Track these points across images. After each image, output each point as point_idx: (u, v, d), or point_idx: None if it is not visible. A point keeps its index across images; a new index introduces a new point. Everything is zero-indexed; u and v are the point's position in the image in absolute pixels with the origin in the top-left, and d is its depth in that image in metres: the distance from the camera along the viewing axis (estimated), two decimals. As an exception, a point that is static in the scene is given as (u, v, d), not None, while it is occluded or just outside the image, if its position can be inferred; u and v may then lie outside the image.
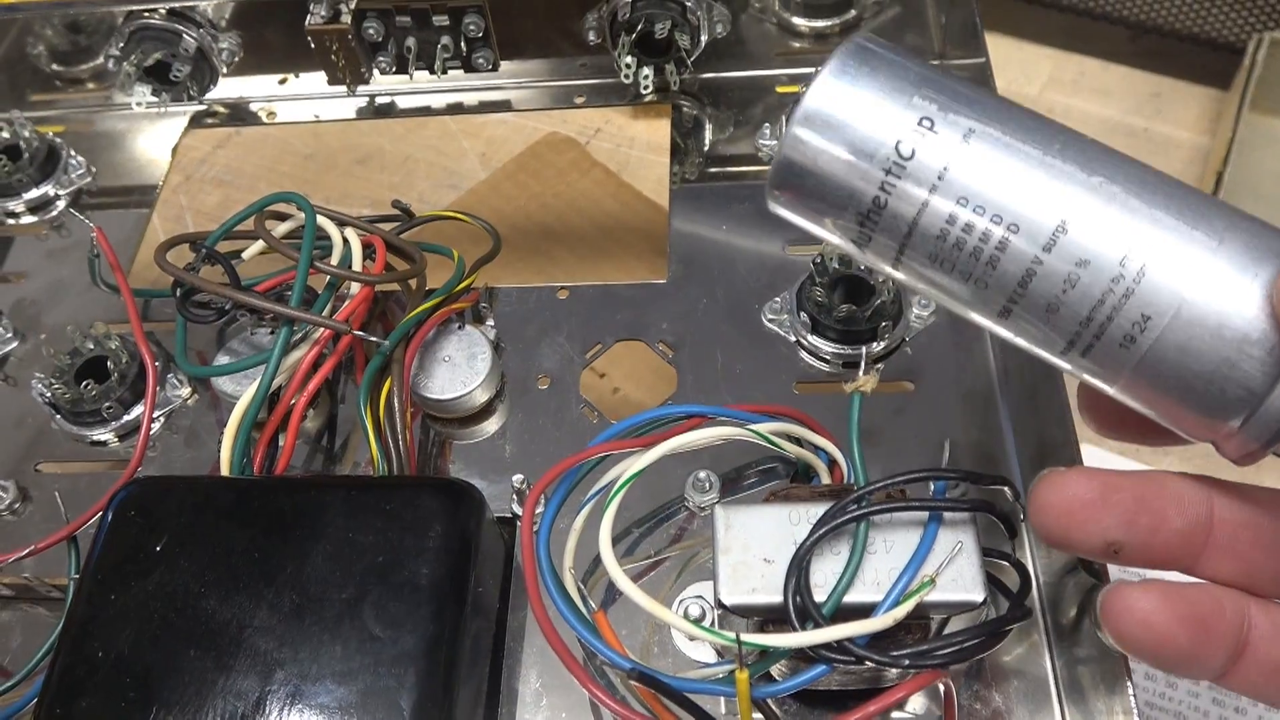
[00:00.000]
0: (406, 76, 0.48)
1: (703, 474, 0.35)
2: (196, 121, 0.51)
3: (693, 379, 0.38)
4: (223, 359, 0.38)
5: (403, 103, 0.50)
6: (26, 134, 0.48)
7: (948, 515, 0.27)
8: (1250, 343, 0.20)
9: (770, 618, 0.27)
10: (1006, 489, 0.28)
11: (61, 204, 0.48)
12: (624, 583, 0.27)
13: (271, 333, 0.38)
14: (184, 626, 0.28)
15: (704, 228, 0.43)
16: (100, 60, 0.53)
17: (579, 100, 0.49)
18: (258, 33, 0.49)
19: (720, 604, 0.26)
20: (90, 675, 0.28)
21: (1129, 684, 0.26)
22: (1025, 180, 0.21)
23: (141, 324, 0.37)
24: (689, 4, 0.44)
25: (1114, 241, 0.20)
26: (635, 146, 0.47)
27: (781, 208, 0.23)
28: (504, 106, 0.49)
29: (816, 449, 0.32)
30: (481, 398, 0.37)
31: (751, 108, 0.47)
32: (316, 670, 0.27)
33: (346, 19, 0.45)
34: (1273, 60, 0.61)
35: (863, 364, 0.34)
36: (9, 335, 0.43)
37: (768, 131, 0.45)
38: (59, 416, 0.39)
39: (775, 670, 0.28)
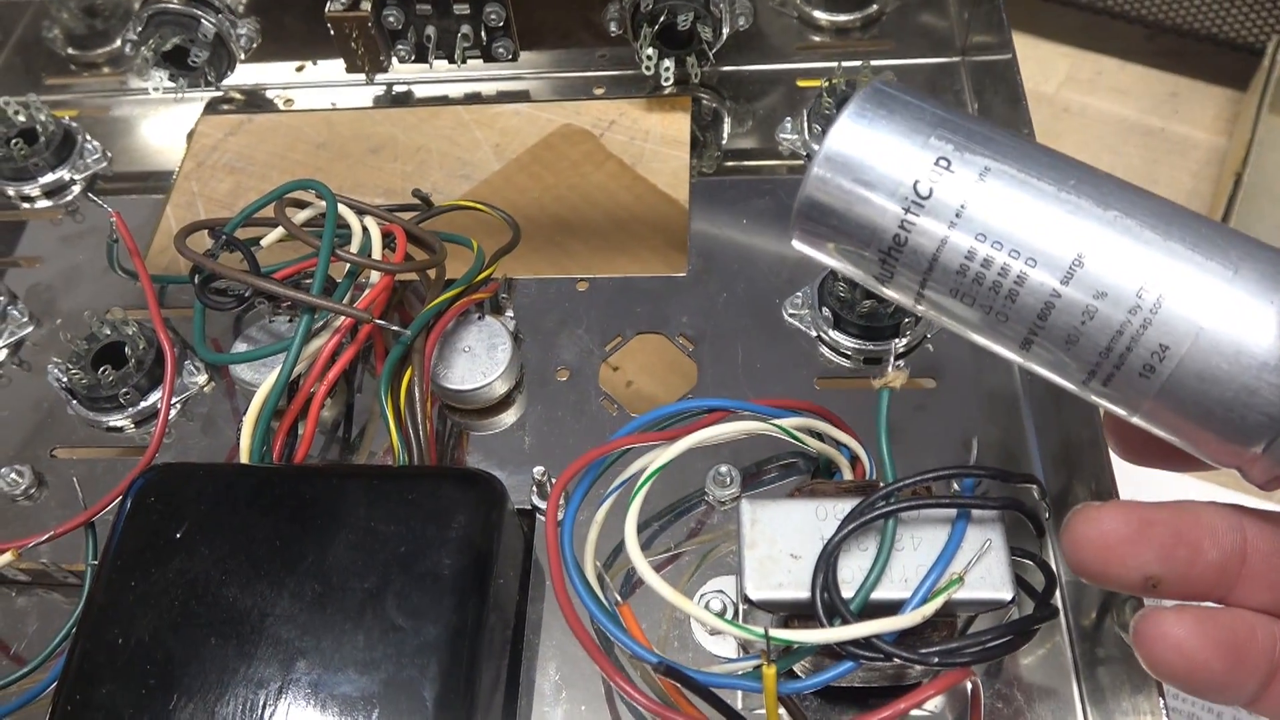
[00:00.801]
0: (425, 65, 0.47)
1: (724, 468, 0.34)
2: (212, 108, 0.50)
3: (713, 373, 0.38)
4: (241, 346, 0.38)
5: (420, 92, 0.50)
6: (43, 118, 0.47)
7: (976, 513, 0.27)
8: (1269, 369, 0.20)
9: (796, 613, 0.27)
10: (1034, 487, 0.28)
11: (77, 189, 0.48)
12: (651, 577, 0.27)
13: (290, 320, 0.38)
14: (205, 614, 0.28)
15: (724, 222, 0.43)
16: (116, 45, 0.53)
17: (598, 92, 0.49)
18: (276, 19, 0.49)
19: (746, 599, 0.26)
20: (110, 662, 0.27)
21: (1156, 688, 0.26)
22: (1042, 215, 0.21)
23: (160, 310, 0.37)
24: (712, -4, 0.44)
25: (1130, 273, 0.21)
26: (650, 139, 0.47)
27: (805, 245, 0.24)
28: (522, 97, 0.49)
29: (839, 444, 0.32)
30: (501, 389, 0.37)
31: (772, 101, 0.47)
32: (339, 660, 0.27)
33: (367, 6, 0.45)
34: (1292, 62, 0.61)
35: (890, 360, 0.33)
36: (25, 320, 0.42)
37: (789, 125, 0.45)
38: (75, 402, 0.39)
39: (798, 666, 0.27)
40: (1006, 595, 0.26)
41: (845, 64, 0.45)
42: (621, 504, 0.31)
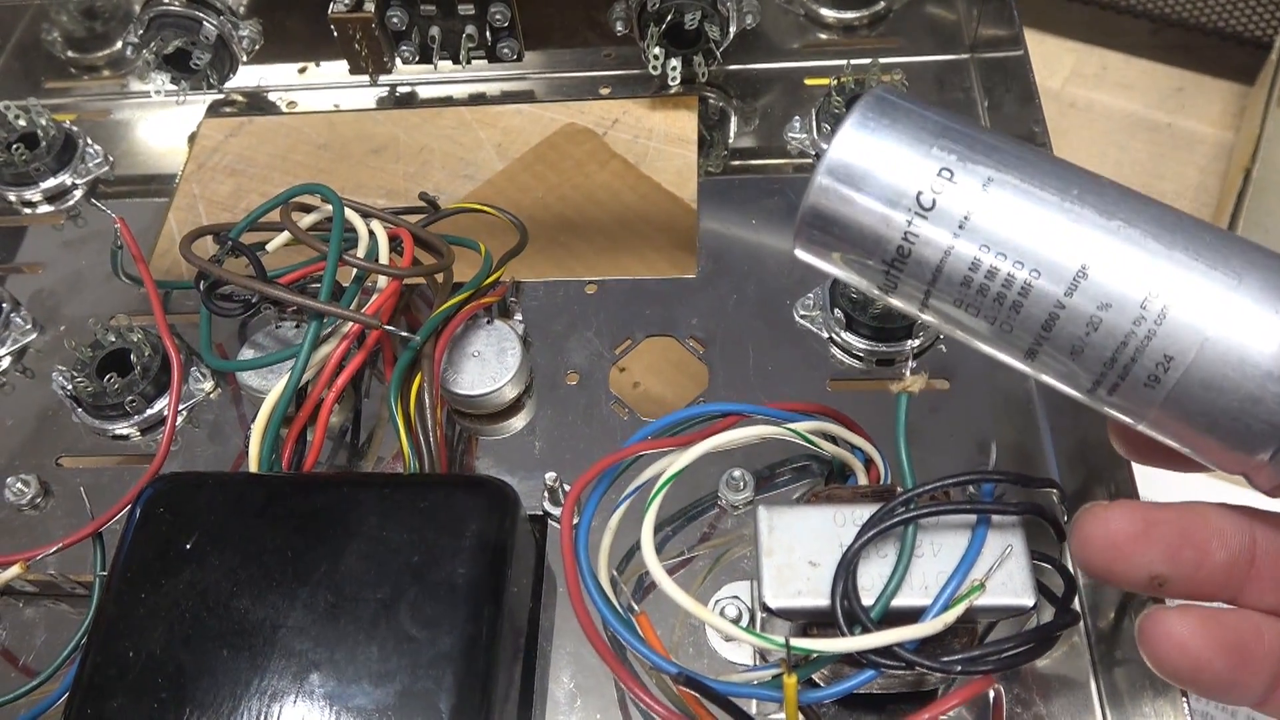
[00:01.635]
0: (430, 66, 0.47)
1: (737, 473, 0.34)
2: (214, 110, 0.50)
3: (724, 376, 0.38)
4: (247, 353, 0.37)
5: (424, 93, 0.50)
6: (44, 122, 0.47)
7: (995, 518, 0.26)
8: (1273, 378, 0.20)
9: (815, 621, 0.26)
10: (1054, 492, 0.27)
11: (78, 194, 0.47)
12: (669, 585, 0.27)
13: (297, 326, 0.38)
14: (216, 626, 0.28)
15: (733, 222, 0.43)
16: (116, 47, 0.52)
17: (604, 92, 0.48)
18: (279, 20, 0.48)
19: (765, 607, 0.26)
20: (121, 675, 0.27)
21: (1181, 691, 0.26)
22: (1045, 226, 0.21)
23: (165, 316, 0.37)
24: (719, -6, 0.44)
25: (1135, 283, 0.21)
26: (654, 138, 0.47)
27: (808, 255, 0.24)
28: (527, 97, 0.49)
29: (853, 448, 0.32)
30: (511, 393, 0.37)
31: (779, 100, 0.47)
32: (353, 671, 0.27)
33: (370, 7, 0.45)
34: (1300, 56, 0.61)
35: (909, 364, 0.33)
36: (28, 327, 0.42)
37: (797, 124, 0.45)
38: (80, 410, 0.39)
39: (815, 675, 0.27)
40: (1029, 601, 0.25)
41: (854, 62, 0.44)
42: (634, 510, 0.30)
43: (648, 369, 0.39)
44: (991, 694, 0.25)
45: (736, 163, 0.45)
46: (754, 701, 0.30)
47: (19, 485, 0.37)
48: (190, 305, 0.42)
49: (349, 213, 0.37)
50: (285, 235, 0.37)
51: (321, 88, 0.50)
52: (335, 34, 0.46)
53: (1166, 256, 0.21)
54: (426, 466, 0.33)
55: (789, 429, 0.31)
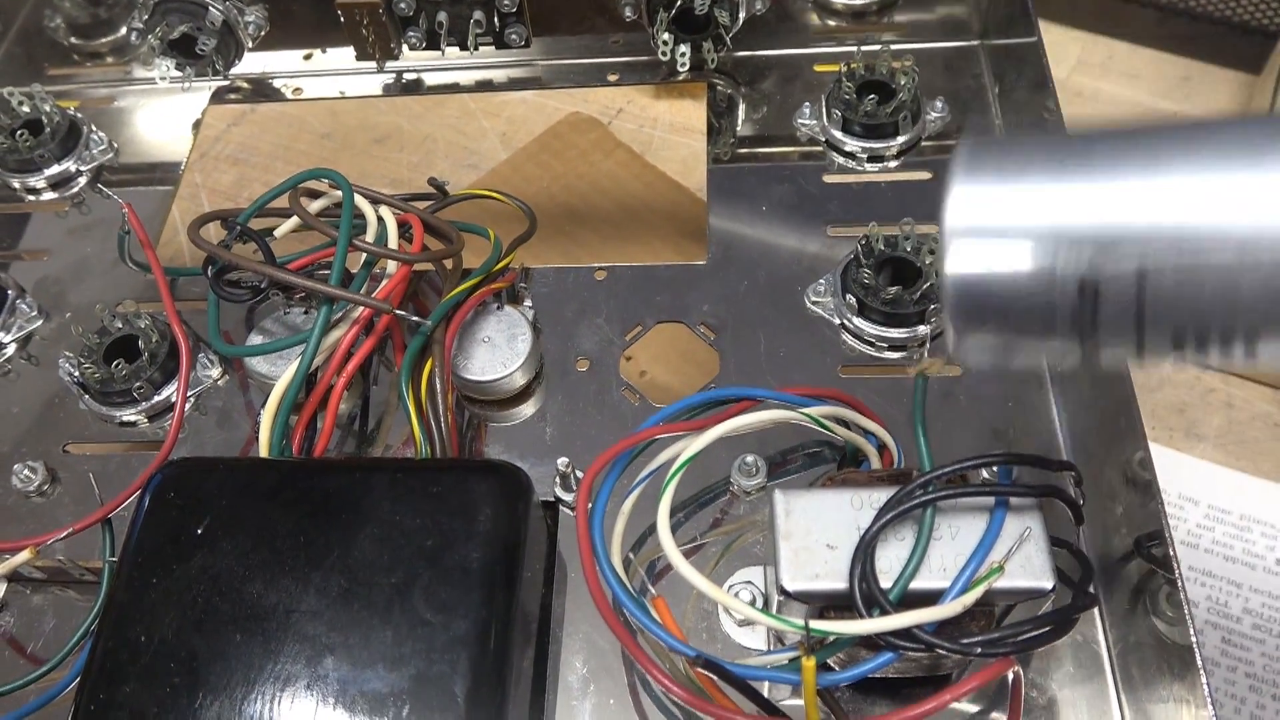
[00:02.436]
0: (437, 52, 0.47)
1: (750, 458, 0.34)
2: (219, 97, 0.50)
3: (735, 362, 0.38)
4: (256, 339, 0.37)
5: (431, 79, 0.49)
6: (48, 108, 0.47)
7: (1014, 500, 0.26)
8: None
9: (832, 604, 0.26)
10: (1071, 474, 0.27)
11: (83, 180, 0.47)
12: (686, 569, 0.26)
13: (306, 312, 0.38)
14: (229, 611, 0.27)
15: (743, 209, 0.42)
16: (120, 34, 0.52)
17: (612, 78, 0.48)
18: (285, 6, 0.48)
19: (782, 590, 0.26)
20: (133, 660, 0.27)
21: (1200, 670, 0.26)
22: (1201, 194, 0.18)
23: (173, 302, 0.36)
24: (728, -21, 0.43)
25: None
26: (659, 126, 0.46)
27: (976, 346, 0.20)
28: (535, 84, 0.48)
29: (866, 433, 0.32)
30: (522, 379, 0.36)
31: (788, 87, 0.46)
32: (367, 656, 0.26)
33: (377, -8, 0.44)
34: (1306, 45, 0.60)
35: (926, 346, 0.33)
36: (34, 314, 0.42)
37: (807, 111, 0.44)
38: (87, 396, 0.39)
39: (831, 659, 0.27)
40: (1048, 584, 0.25)
41: (864, 48, 0.44)
42: (648, 495, 0.30)
43: (658, 355, 0.39)
44: (1011, 675, 0.25)
45: (745, 150, 0.45)
46: (767, 685, 0.30)
47: (26, 472, 0.37)
48: (196, 292, 0.42)
49: (358, 199, 0.36)
50: (293, 221, 0.37)
51: (327, 74, 0.50)
52: (342, 20, 0.45)
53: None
54: (438, 452, 0.32)
55: (803, 413, 0.31)
